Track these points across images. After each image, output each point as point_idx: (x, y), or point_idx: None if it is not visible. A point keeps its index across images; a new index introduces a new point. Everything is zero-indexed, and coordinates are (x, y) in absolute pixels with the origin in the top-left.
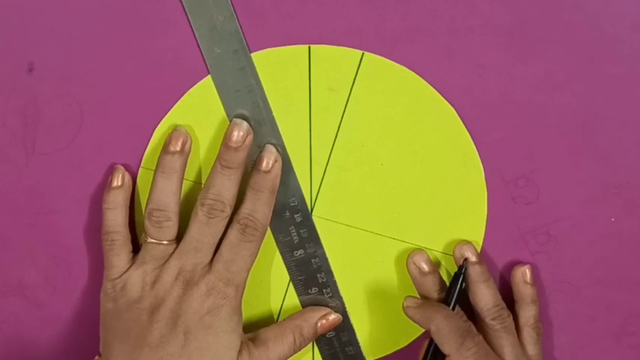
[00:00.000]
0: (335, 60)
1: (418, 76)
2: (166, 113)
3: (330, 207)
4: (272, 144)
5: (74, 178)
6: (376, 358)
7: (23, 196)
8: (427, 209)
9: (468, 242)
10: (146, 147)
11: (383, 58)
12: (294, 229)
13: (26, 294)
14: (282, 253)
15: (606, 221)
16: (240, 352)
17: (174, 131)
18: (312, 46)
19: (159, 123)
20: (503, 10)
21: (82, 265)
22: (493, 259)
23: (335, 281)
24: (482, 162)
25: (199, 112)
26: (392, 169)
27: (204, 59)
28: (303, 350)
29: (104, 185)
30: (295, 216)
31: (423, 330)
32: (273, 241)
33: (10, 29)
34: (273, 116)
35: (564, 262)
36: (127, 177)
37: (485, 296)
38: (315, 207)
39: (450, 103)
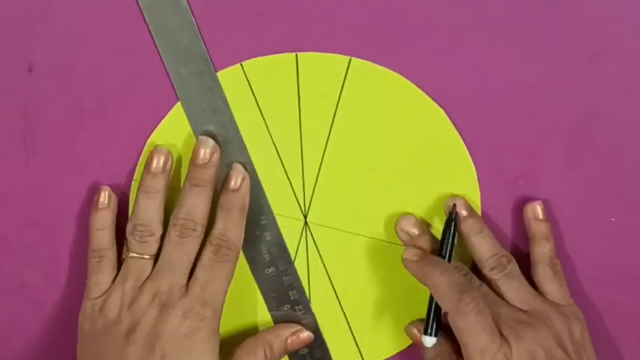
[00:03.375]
0: (323, 67)
1: (406, 80)
2: (168, 112)
3: (324, 213)
4: (240, 163)
5: (74, 178)
6: None
7: (23, 196)
8: (420, 210)
9: (458, 196)
10: (145, 146)
11: (371, 62)
12: (265, 247)
13: (26, 294)
14: (252, 271)
15: (606, 221)
16: None
17: (155, 150)
18: (299, 54)
19: (158, 124)
20: (503, 10)
21: (82, 265)
22: None
23: (307, 299)
24: (482, 162)
25: (179, 133)
26: (383, 173)
27: (170, 80)
28: None
29: (104, 185)
30: (265, 234)
31: (398, 350)
32: (244, 258)
33: (10, 29)
34: (240, 135)
35: (564, 262)
36: (113, 197)
37: (481, 248)
38: (309, 214)
39: (447, 103)
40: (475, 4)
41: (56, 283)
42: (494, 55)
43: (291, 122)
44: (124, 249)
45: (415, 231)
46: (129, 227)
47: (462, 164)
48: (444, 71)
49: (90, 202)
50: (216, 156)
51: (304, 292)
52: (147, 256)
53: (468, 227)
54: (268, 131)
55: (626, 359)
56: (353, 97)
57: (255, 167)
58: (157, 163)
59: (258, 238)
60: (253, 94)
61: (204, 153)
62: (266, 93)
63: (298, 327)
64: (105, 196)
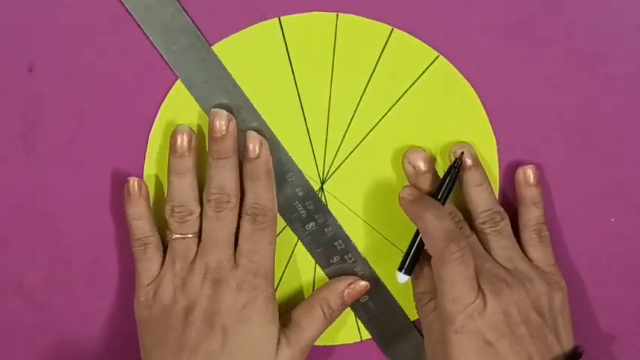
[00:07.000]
0: (363, 32)
1: (448, 62)
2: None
3: (341, 187)
4: (254, 127)
5: (74, 178)
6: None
7: (23, 196)
8: None
9: (465, 143)
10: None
11: (412, 36)
12: (299, 203)
13: (26, 294)
14: (294, 230)
15: (606, 221)
16: (278, 340)
17: (177, 131)
18: (340, 14)
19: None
20: (503, 10)
21: (82, 265)
22: None
23: (354, 245)
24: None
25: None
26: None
27: (163, 58)
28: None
29: (104, 185)
30: (296, 190)
31: None
32: (283, 220)
33: (10, 29)
34: (247, 99)
35: (564, 262)
36: (144, 185)
37: (477, 200)
38: (328, 182)
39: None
40: (475, 4)
41: (56, 283)
42: (495, 55)
43: (322, 84)
44: (167, 232)
45: (422, 166)
46: (167, 210)
47: (490, 169)
48: None
49: (90, 203)
50: (232, 125)
51: (350, 240)
52: (190, 235)
53: (469, 177)
54: (297, 91)
55: (627, 359)
56: (389, 68)
57: (274, 126)
58: (182, 142)
59: (290, 197)
60: (287, 51)
61: (219, 124)
62: (301, 51)
63: (352, 278)
64: (135, 186)
